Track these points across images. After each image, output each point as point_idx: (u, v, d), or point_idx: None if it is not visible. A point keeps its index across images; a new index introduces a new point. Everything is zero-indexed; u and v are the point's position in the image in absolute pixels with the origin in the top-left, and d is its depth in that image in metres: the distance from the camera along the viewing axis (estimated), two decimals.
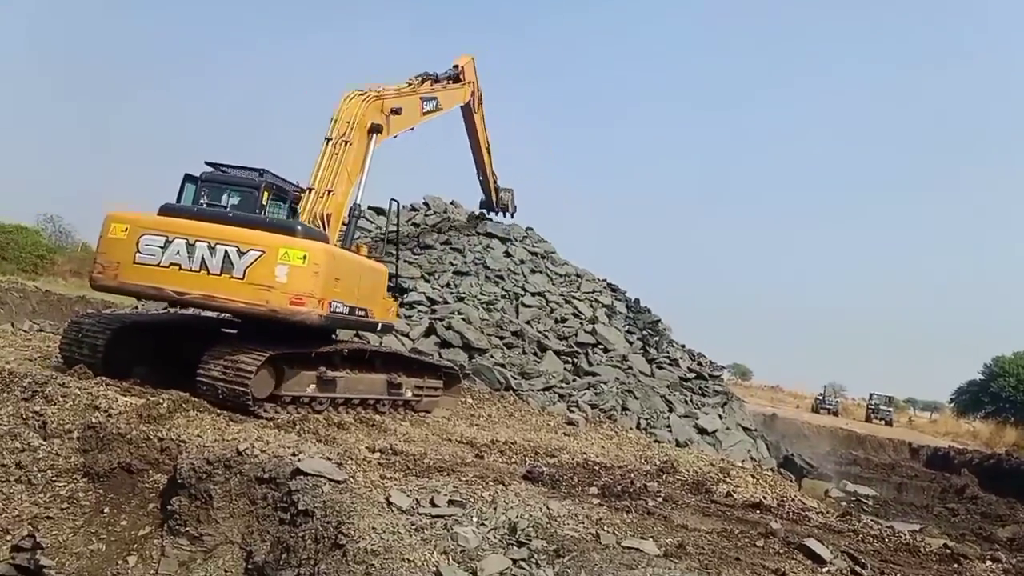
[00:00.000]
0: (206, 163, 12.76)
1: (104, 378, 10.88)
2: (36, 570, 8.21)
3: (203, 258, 10.67)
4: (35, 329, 17.99)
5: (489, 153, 24.35)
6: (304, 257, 10.66)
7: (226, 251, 10.65)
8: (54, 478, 8.93)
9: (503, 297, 23.09)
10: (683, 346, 26.64)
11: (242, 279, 10.60)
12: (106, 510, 8.61)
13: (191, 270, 10.69)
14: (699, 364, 25.47)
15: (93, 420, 9.33)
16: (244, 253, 10.63)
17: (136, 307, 20.18)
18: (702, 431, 20.01)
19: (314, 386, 11.60)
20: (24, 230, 40.78)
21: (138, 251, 10.71)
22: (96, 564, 8.08)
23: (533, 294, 23.97)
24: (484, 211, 27.83)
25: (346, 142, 13.72)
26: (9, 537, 8.62)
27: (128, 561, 8.06)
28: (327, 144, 13.74)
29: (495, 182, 26.18)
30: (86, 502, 8.71)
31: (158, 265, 10.72)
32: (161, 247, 10.72)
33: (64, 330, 12.63)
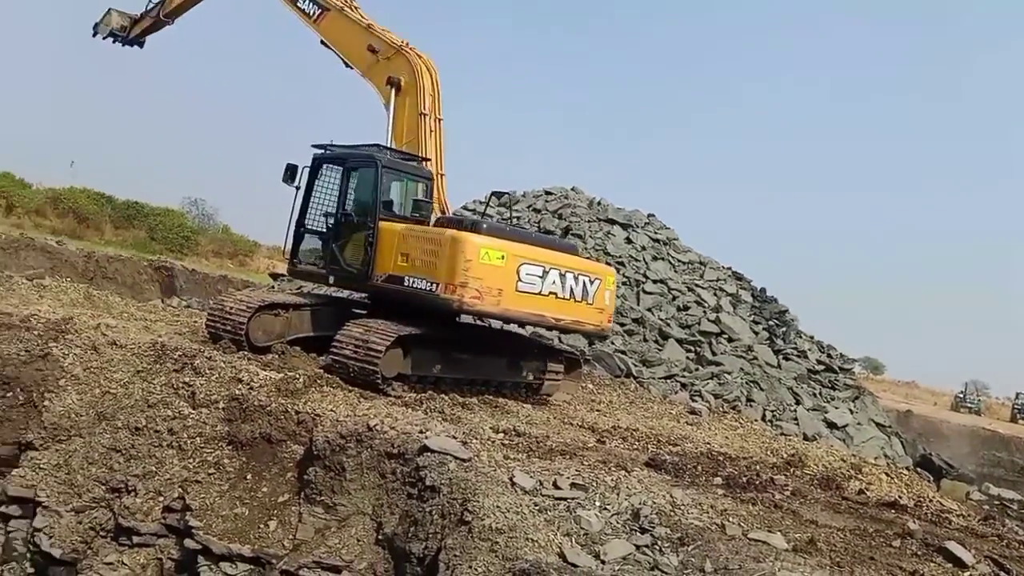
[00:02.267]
0: (312, 145, 13.24)
1: (246, 353, 11.49)
2: (185, 530, 8.81)
3: (571, 287, 11.89)
4: (183, 305, 19.21)
5: None
6: (612, 282, 12.78)
7: (584, 280, 12.10)
8: (202, 445, 9.55)
9: (624, 284, 22.92)
10: (811, 337, 25.72)
11: (591, 304, 12.21)
12: (249, 476, 9.14)
13: (564, 298, 11.84)
14: (828, 356, 24.54)
15: (236, 392, 9.90)
16: (593, 281, 12.23)
17: (273, 286, 21.16)
18: (831, 425, 19.32)
19: (440, 367, 11.88)
20: (171, 212, 43.37)
21: (520, 280, 11.29)
22: (240, 527, 8.59)
23: (655, 281, 23.68)
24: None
25: (439, 119, 13.97)
26: (161, 498, 9.30)
27: (269, 525, 8.54)
28: (424, 119, 13.91)
29: None
30: (231, 468, 9.26)
31: (539, 293, 11.53)
32: (540, 276, 11.49)
33: (209, 307, 13.43)
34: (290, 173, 13.04)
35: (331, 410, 9.42)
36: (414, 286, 11.32)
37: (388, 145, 13.79)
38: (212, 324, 12.32)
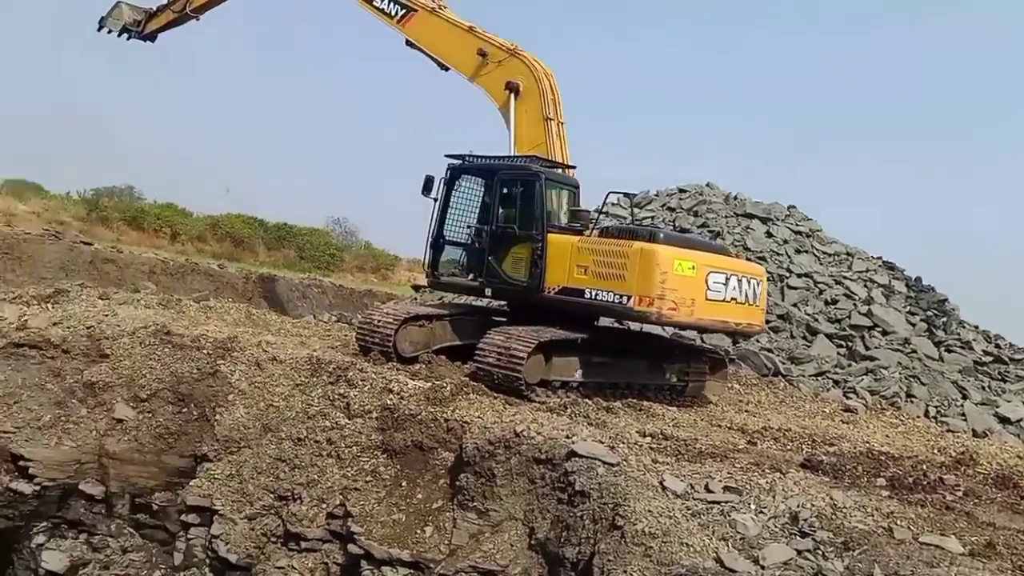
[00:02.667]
0: (447, 156, 13.37)
1: (395, 364, 11.90)
2: (348, 536, 9.21)
3: (746, 291, 12.10)
4: (333, 320, 20.10)
5: None
6: (765, 280, 12.95)
7: (753, 283, 12.31)
8: (359, 454, 9.97)
9: (767, 279, 22.19)
10: (976, 327, 24.00)
11: (757, 305, 12.49)
12: (404, 483, 9.47)
13: (741, 302, 12.05)
14: (997, 347, 22.83)
15: (388, 402, 10.28)
16: (757, 283, 12.43)
17: (415, 298, 21.82)
18: (1004, 420, 17.93)
19: (581, 371, 11.91)
20: (316, 232, 45.58)
21: (708, 288, 11.59)
22: (398, 532, 8.90)
23: (799, 275, 22.77)
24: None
25: (562, 123, 13.92)
26: (324, 505, 9.76)
27: (425, 531, 8.81)
28: (549, 124, 13.88)
29: None
30: (386, 476, 9.62)
31: (723, 300, 11.83)
32: (723, 283, 11.78)
33: (358, 321, 14.00)
34: (427, 185, 13.27)
35: (478, 417, 9.61)
36: (599, 299, 11.37)
37: (511, 152, 13.88)
38: (362, 337, 12.83)
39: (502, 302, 13.80)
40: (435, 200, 13.32)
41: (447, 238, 13.56)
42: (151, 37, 20.01)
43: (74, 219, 29.77)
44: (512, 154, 13.65)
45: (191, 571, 10.47)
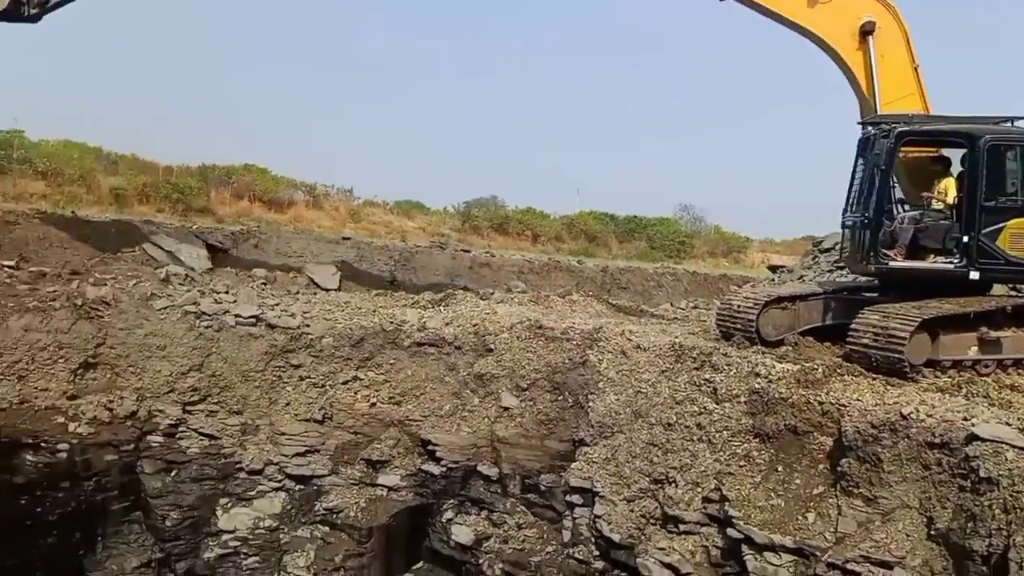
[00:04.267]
0: (862, 122, 12.17)
1: (759, 347, 11.65)
2: (726, 520, 9.23)
3: None
4: (690, 306, 20.20)
5: None
6: None
7: None
8: (730, 438, 9.94)
9: None
10: None
11: None
12: (779, 468, 9.25)
13: None
14: None
15: (756, 385, 10.10)
16: None
17: (773, 279, 21.14)
18: None
19: (975, 348, 10.64)
20: (666, 221, 46.04)
21: None
22: (777, 518, 8.73)
23: None
24: None
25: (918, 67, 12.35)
26: (699, 489, 9.89)
27: (807, 517, 8.53)
28: (918, 72, 12.45)
29: None
30: (760, 460, 9.48)
31: None
32: None
33: (718, 306, 13.92)
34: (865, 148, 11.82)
35: (856, 399, 9.06)
36: None
37: (877, 108, 12.59)
38: (722, 322, 12.73)
39: (871, 279, 12.79)
40: (881, 170, 11.43)
41: (894, 214, 11.83)
42: (35, 18, 15.26)
43: (452, 230, 33.32)
44: (879, 112, 12.43)
45: (579, 548, 11.20)
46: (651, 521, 10.24)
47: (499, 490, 12.60)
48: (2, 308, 12.81)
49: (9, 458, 12.32)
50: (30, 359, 12.67)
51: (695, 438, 10.31)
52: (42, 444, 12.58)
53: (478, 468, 12.76)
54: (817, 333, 12.14)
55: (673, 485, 10.09)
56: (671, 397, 11.01)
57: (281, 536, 13.66)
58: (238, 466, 13.64)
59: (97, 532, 13.10)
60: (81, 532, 12.88)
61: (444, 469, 13.25)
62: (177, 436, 13.45)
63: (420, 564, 13.20)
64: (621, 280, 24.95)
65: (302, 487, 13.86)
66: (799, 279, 18.19)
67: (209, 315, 14.01)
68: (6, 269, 14.13)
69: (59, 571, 12.67)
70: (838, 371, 10.06)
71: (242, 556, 13.49)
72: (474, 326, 14.13)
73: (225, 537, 13.49)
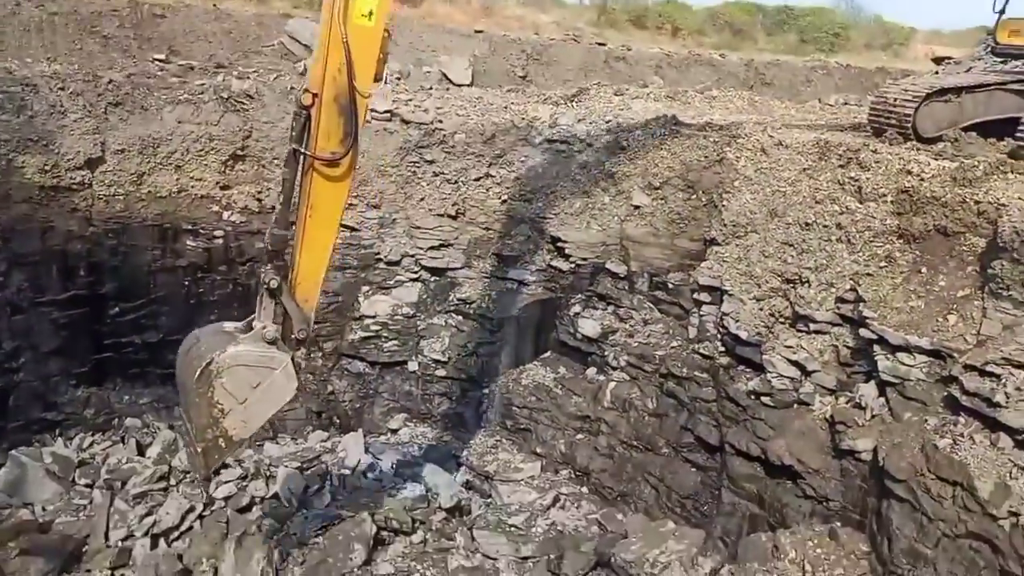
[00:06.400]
0: None
1: (914, 144, 10.84)
2: (859, 320, 9.01)
3: None
4: (840, 103, 18.88)
5: None
6: None
7: None
8: (871, 239, 9.49)
9: None
10: None
11: None
12: (923, 270, 8.83)
13: None
14: None
15: (906, 184, 9.47)
16: None
17: (936, 72, 19.30)
18: None
19: None
20: (819, 11, 42.27)
21: None
22: (915, 319, 8.44)
23: None
24: None
25: None
26: (833, 290, 9.61)
27: (948, 319, 8.20)
28: None
29: None
30: (902, 262, 9.06)
31: None
32: None
33: (871, 100, 12.91)
34: None
35: (1018, 199, 8.37)
36: None
37: None
38: (875, 118, 11.85)
39: None
40: None
41: None
42: None
43: (587, 24, 31.89)
44: None
45: (704, 344, 11.31)
46: (780, 320, 10.13)
47: (626, 287, 12.71)
48: (156, 100, 13.40)
49: (173, 242, 13.44)
50: (185, 150, 13.38)
51: (833, 238, 9.91)
52: (200, 231, 13.60)
53: (606, 265, 12.86)
54: (981, 129, 11.16)
55: (806, 285, 9.85)
56: (811, 196, 10.52)
57: (418, 323, 14.48)
58: (377, 257, 14.33)
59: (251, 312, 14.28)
60: (238, 311, 14.09)
61: (573, 265, 13.45)
62: None
63: (548, 354, 13.73)
64: (767, 75, 23.47)
65: (437, 278, 14.48)
66: (966, 71, 16.50)
67: None
68: (157, 62, 14.68)
69: None
70: (1001, 169, 9.24)
71: (383, 339, 14.44)
72: (607, 123, 13.77)
73: (367, 321, 14.44)
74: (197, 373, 7.04)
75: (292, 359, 7.46)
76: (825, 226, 10.05)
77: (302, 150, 7.16)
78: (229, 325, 7.93)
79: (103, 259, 12.59)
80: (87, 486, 11.12)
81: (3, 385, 11.96)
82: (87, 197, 12.64)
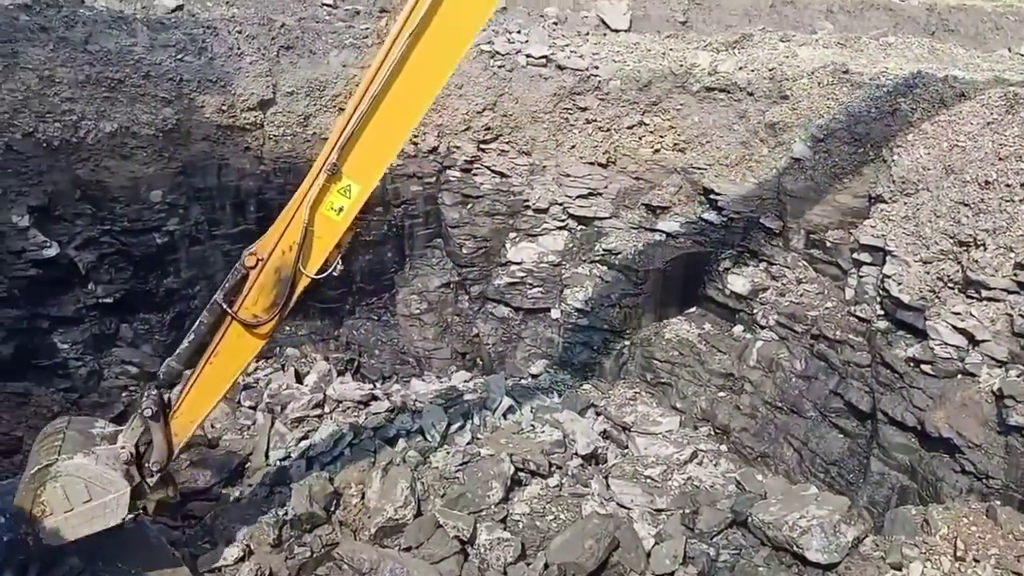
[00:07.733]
0: None
1: None
2: None
3: None
4: None
5: None
6: None
7: None
8: None
9: None
10: None
11: None
12: None
13: None
14: None
15: None
16: None
17: None
18: None
19: None
20: None
21: None
22: None
23: None
24: None
25: None
26: (1012, 254, 8.89)
27: None
28: None
29: None
30: None
31: None
32: None
33: None
34: None
35: None
36: None
37: None
38: None
39: None
40: None
41: None
42: None
43: None
44: None
45: (861, 307, 10.76)
46: (948, 284, 9.48)
47: (781, 243, 12.24)
48: (323, 44, 13.88)
49: None
50: (348, 93, 13.84)
51: (1016, 199, 9.14)
52: None
53: (761, 220, 12.41)
54: None
55: (981, 248, 9.16)
56: (994, 152, 9.71)
57: (563, 271, 14.53)
58: (525, 204, 14.42)
59: (405, 253, 14.78)
60: (392, 252, 14.60)
61: (725, 219, 13.07)
62: (472, 172, 14.38)
63: (693, 309, 13.48)
64: (950, 21, 21.58)
65: (583, 227, 14.44)
66: None
67: (502, 55, 14.28)
68: (325, 7, 15.17)
69: (377, 281, 14.65)
70: None
71: (527, 286, 14.61)
72: (770, 71, 13.14)
73: (513, 268, 14.63)
74: (36, 468, 7.06)
75: (136, 489, 7.39)
76: (1008, 185, 9.28)
77: (224, 306, 7.23)
78: (99, 426, 7.90)
79: (271, 196, 13.29)
80: (251, 408, 11.95)
81: (180, 311, 12.96)
82: (259, 137, 13.36)
